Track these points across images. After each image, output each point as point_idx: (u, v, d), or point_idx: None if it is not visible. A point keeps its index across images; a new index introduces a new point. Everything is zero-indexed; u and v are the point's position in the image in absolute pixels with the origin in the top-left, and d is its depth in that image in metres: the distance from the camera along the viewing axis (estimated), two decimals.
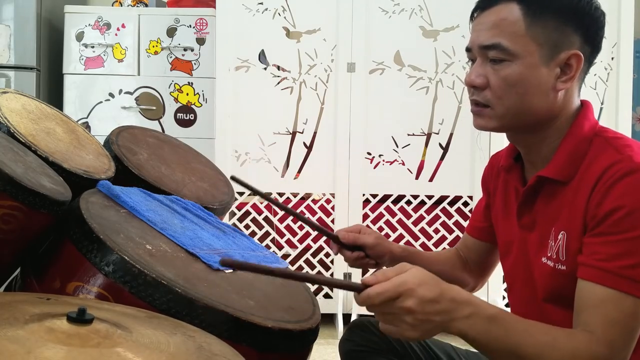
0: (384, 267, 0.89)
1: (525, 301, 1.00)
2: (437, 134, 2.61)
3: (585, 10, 0.91)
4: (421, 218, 2.62)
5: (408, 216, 2.62)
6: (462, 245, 1.25)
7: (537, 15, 0.90)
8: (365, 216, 2.62)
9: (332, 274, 2.63)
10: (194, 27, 2.85)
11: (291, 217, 2.63)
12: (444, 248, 2.60)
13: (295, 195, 2.65)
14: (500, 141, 2.49)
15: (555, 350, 0.81)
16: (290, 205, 2.63)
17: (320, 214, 2.62)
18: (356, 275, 2.61)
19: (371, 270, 2.37)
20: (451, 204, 2.62)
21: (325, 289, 2.62)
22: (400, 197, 2.63)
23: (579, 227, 0.88)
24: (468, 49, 0.97)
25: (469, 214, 2.59)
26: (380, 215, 2.62)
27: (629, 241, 0.82)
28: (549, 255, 0.93)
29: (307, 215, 2.63)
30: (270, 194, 2.66)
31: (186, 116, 2.86)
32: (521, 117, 0.93)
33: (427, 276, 0.80)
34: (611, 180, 0.84)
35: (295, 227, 2.63)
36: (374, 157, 2.62)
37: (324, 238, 2.62)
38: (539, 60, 0.90)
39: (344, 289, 0.90)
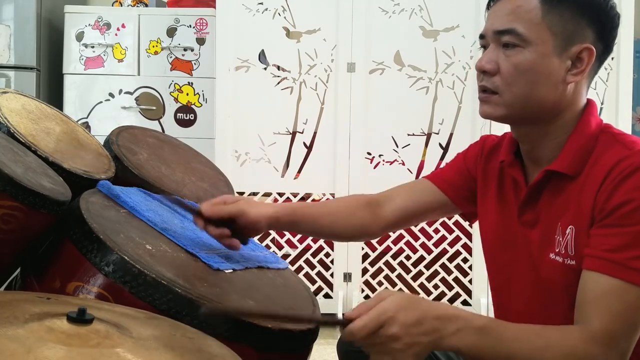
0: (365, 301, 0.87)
1: (525, 298, 0.99)
2: (437, 134, 2.61)
3: (601, 6, 0.92)
4: None
5: None
6: (394, 191, 1.22)
7: (554, 4, 0.90)
8: None
9: (332, 274, 2.63)
10: (194, 27, 2.85)
11: None
12: (444, 249, 2.60)
13: (295, 195, 2.65)
14: None
15: (547, 352, 0.81)
16: None
17: None
18: (356, 274, 2.61)
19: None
20: None
21: (326, 289, 2.62)
22: None
23: (587, 221, 0.88)
24: (482, 36, 0.97)
25: None
26: None
27: (637, 233, 0.82)
28: (557, 250, 0.92)
29: None
30: (270, 194, 2.66)
31: (186, 116, 2.87)
32: (528, 107, 0.93)
33: (407, 299, 0.80)
34: (621, 175, 0.85)
35: None
36: (374, 157, 2.62)
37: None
38: (552, 50, 0.91)
39: (327, 326, 0.89)
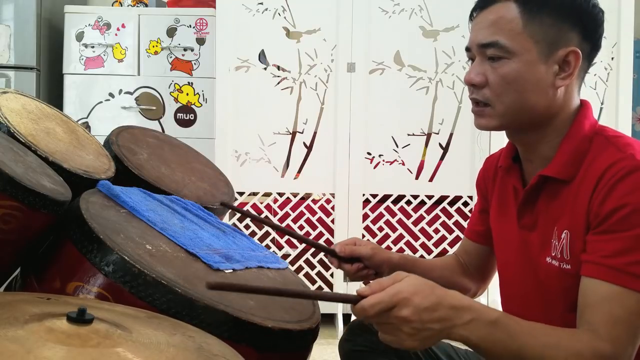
0: (381, 278, 0.89)
1: (528, 301, 1.00)
2: (437, 134, 2.61)
3: (582, 7, 0.92)
4: (421, 218, 2.62)
5: (408, 216, 2.62)
6: (462, 250, 1.25)
7: (533, 12, 0.90)
8: (365, 216, 2.62)
9: (332, 274, 2.63)
10: (194, 27, 2.85)
11: (291, 217, 2.63)
12: (444, 249, 2.60)
13: (295, 195, 2.65)
14: (500, 140, 2.49)
15: (558, 351, 0.80)
16: (290, 206, 2.63)
17: (320, 214, 2.62)
18: None
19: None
20: (451, 204, 2.62)
21: (326, 289, 2.62)
22: (400, 197, 2.63)
23: (582, 225, 0.88)
24: (467, 49, 0.98)
25: (469, 214, 2.59)
26: (380, 215, 2.62)
27: (633, 238, 0.82)
28: (553, 254, 0.92)
29: (307, 215, 2.63)
30: (270, 194, 2.66)
31: (186, 116, 2.87)
32: (521, 114, 0.93)
33: (423, 284, 0.80)
34: (614, 178, 0.84)
35: (295, 227, 2.63)
36: (374, 157, 2.62)
37: (324, 238, 2.62)
38: (537, 57, 0.91)
39: (339, 302, 0.90)
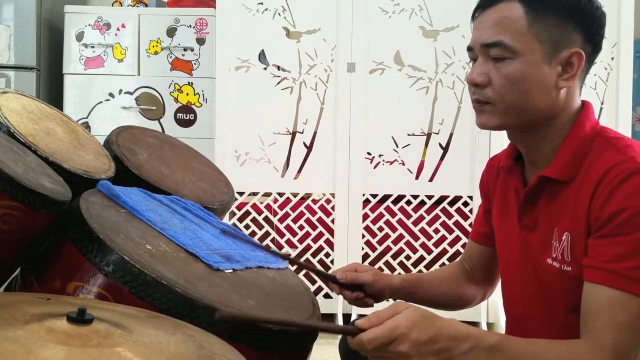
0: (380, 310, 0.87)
1: (529, 301, 0.99)
2: (437, 134, 2.61)
3: (586, 8, 0.92)
4: (421, 218, 2.62)
5: (408, 216, 2.62)
6: (467, 255, 1.24)
7: (538, 12, 0.90)
8: (365, 216, 2.62)
9: None
10: (194, 27, 2.85)
11: (291, 217, 2.63)
12: (444, 249, 2.60)
13: (295, 195, 2.65)
14: (500, 141, 2.49)
15: None
16: (290, 206, 2.64)
17: (320, 214, 2.62)
18: None
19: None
20: (451, 204, 2.62)
21: (326, 289, 2.62)
22: (400, 197, 2.63)
23: (583, 228, 0.87)
24: (469, 48, 0.97)
25: (469, 214, 2.59)
26: (380, 215, 2.62)
27: (634, 242, 0.82)
28: (553, 256, 0.92)
29: (307, 215, 2.63)
30: (270, 194, 2.66)
31: (186, 116, 2.87)
32: (523, 115, 0.93)
33: (422, 316, 0.79)
34: (615, 181, 0.84)
35: (295, 227, 2.63)
36: (374, 157, 2.62)
37: (324, 238, 2.62)
38: (541, 58, 0.91)
39: (338, 334, 0.89)
